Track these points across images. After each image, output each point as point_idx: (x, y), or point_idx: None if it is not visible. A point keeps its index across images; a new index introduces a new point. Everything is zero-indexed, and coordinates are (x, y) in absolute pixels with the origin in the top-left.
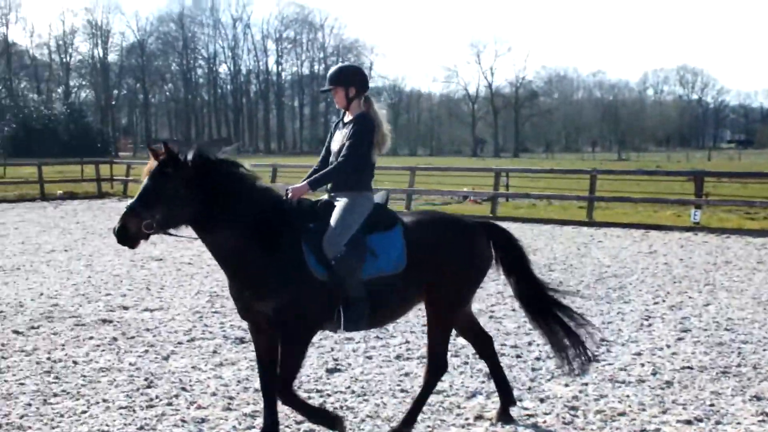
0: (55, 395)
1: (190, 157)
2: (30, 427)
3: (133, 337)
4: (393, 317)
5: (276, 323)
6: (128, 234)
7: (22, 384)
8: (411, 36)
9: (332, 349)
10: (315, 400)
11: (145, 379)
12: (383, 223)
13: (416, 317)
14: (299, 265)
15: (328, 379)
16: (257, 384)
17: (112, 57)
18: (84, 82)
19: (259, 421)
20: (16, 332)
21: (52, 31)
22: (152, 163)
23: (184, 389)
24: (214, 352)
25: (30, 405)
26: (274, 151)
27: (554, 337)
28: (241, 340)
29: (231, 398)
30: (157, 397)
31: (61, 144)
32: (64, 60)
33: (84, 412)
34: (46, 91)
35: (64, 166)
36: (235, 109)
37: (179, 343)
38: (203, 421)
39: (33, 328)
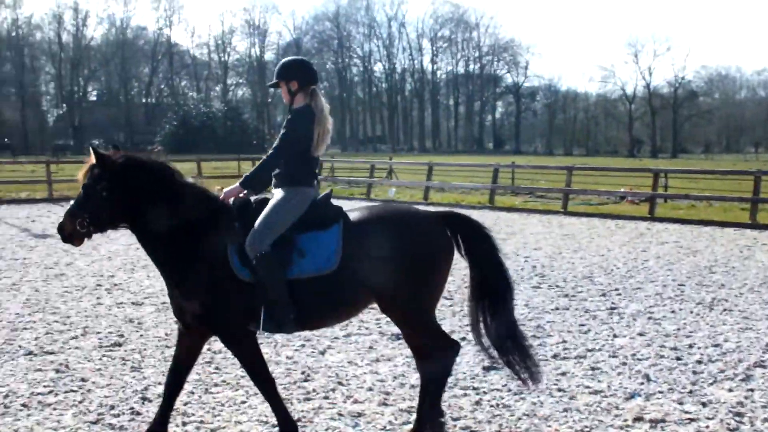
0: (216, 385)
1: (117, 159)
2: (193, 414)
3: None
4: (332, 319)
5: (205, 324)
6: (64, 233)
7: None
8: (567, 35)
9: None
10: (471, 398)
11: (302, 373)
12: (322, 221)
13: (573, 317)
14: (223, 266)
15: (485, 376)
16: (414, 380)
17: (269, 55)
18: (241, 81)
19: (416, 417)
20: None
21: (212, 31)
22: (87, 165)
23: (340, 383)
24: (370, 347)
25: (193, 393)
26: (429, 149)
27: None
28: (397, 337)
29: (387, 393)
30: (314, 390)
31: (219, 141)
32: (223, 59)
33: (243, 402)
34: (205, 90)
35: (222, 162)
36: (389, 108)
37: (336, 338)
38: (359, 415)
39: None
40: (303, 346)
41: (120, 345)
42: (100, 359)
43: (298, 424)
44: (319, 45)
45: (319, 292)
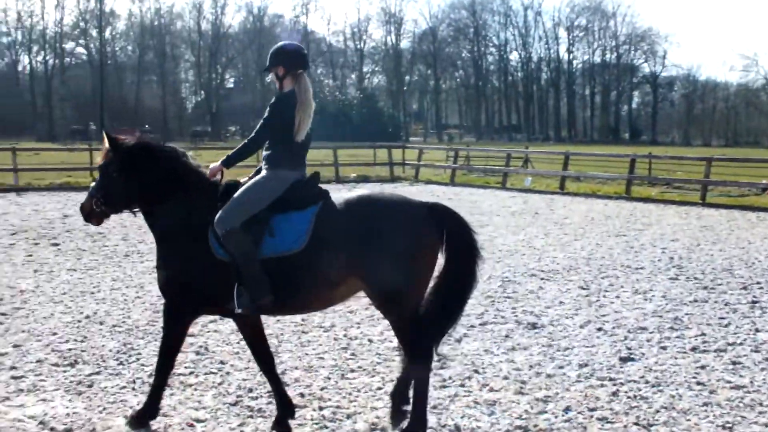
0: (352, 371)
1: (127, 142)
2: (329, 399)
3: None
4: (309, 302)
5: (162, 293)
6: (84, 212)
7: (321, 358)
8: (707, 24)
9: (625, 338)
10: (608, 389)
11: (438, 360)
12: (301, 202)
13: (713, 309)
14: (201, 242)
15: (621, 367)
16: (549, 369)
17: (405, 43)
18: (377, 68)
19: (552, 406)
20: None
21: (348, 19)
22: (104, 149)
23: (476, 371)
24: (507, 336)
25: (329, 378)
26: (564, 139)
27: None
28: (533, 326)
29: (523, 382)
30: (450, 377)
31: (354, 128)
32: (359, 47)
33: (379, 388)
34: (341, 77)
35: (357, 150)
36: (525, 97)
37: (472, 326)
38: (495, 403)
39: None
40: None
41: None
42: (238, 343)
43: (434, 411)
44: (455, 33)
45: (290, 271)
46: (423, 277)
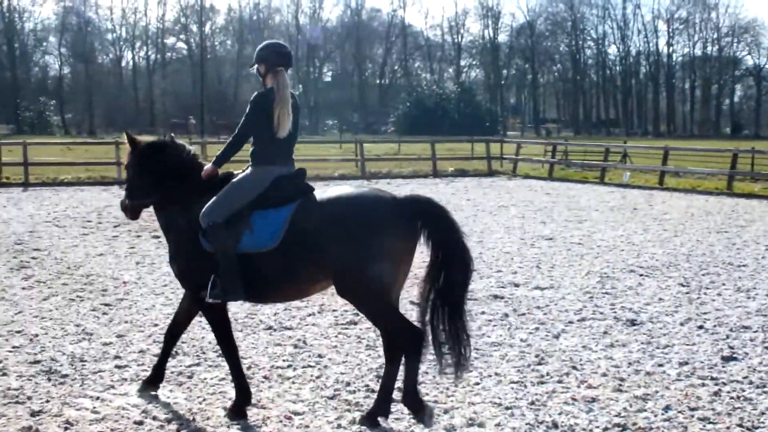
0: (450, 366)
1: (142, 142)
2: (427, 394)
3: (523, 314)
4: (282, 295)
5: (181, 284)
6: (121, 206)
7: None
8: None
9: (727, 337)
10: (709, 388)
11: (536, 356)
12: (282, 199)
13: None
14: (195, 236)
15: (723, 367)
16: (649, 367)
17: (502, 37)
18: (474, 62)
19: (651, 404)
20: (412, 303)
21: (445, 12)
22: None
23: (574, 368)
24: (605, 332)
25: (427, 373)
26: (663, 133)
27: (437, 334)
28: (632, 322)
29: (622, 380)
30: (547, 374)
31: (451, 122)
32: (456, 40)
33: (477, 383)
34: (438, 71)
35: (455, 144)
36: (623, 91)
37: (570, 322)
38: (593, 400)
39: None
40: (537, 329)
41: (355, 323)
42: (336, 336)
43: (531, 407)
44: (553, 27)
45: (263, 267)
46: (394, 270)
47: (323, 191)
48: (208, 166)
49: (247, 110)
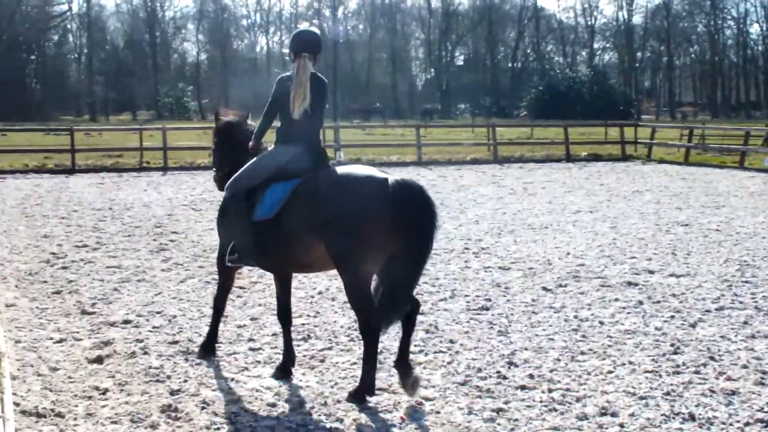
0: (582, 353)
1: (221, 121)
2: (559, 381)
3: (658, 302)
4: (283, 263)
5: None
6: (213, 179)
7: (551, 339)
8: None
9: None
10: None
11: (672, 345)
12: (291, 174)
13: None
14: None
15: None
16: None
17: (637, 19)
18: (607, 45)
19: None
20: (545, 289)
21: None
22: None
23: (712, 359)
24: (745, 323)
25: (559, 360)
26: None
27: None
28: None
29: (764, 373)
30: (683, 364)
31: (584, 106)
32: (589, 23)
33: (610, 372)
34: (571, 54)
35: (588, 128)
36: (766, 72)
37: (707, 311)
38: (733, 393)
39: (561, 286)
40: (672, 317)
41: (487, 309)
42: (468, 322)
43: (666, 398)
44: (690, 7)
45: (264, 234)
46: (371, 247)
47: (326, 170)
48: (251, 142)
49: (271, 95)
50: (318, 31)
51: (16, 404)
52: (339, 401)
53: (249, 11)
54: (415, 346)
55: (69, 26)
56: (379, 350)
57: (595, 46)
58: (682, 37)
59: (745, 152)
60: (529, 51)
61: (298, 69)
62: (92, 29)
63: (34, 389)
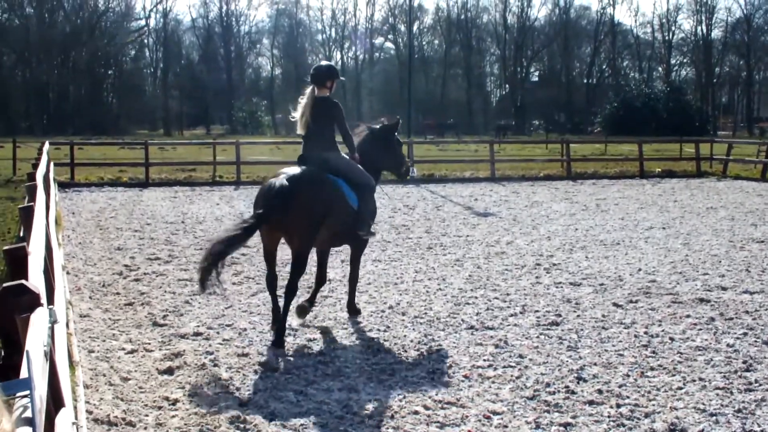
0: (652, 369)
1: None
2: (628, 397)
3: (731, 319)
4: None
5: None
6: None
7: (620, 355)
8: None
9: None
10: None
11: (744, 362)
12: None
13: None
14: None
15: None
16: None
17: (716, 33)
18: (685, 60)
19: None
20: (615, 305)
21: (656, 9)
22: None
23: None
24: None
25: (628, 376)
26: None
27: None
28: None
29: None
30: (756, 381)
31: (659, 122)
32: (666, 38)
33: (680, 388)
34: (647, 70)
35: (663, 144)
36: None
37: None
38: None
39: (631, 302)
40: (745, 334)
41: (557, 324)
42: (538, 337)
43: (738, 415)
44: None
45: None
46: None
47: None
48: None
49: None
50: (324, 64)
51: (89, 412)
52: (405, 415)
53: (324, 26)
54: (485, 360)
55: (146, 41)
56: (447, 365)
57: (672, 61)
58: (763, 51)
59: None
60: (604, 67)
61: (304, 95)
62: (168, 44)
63: (106, 398)
